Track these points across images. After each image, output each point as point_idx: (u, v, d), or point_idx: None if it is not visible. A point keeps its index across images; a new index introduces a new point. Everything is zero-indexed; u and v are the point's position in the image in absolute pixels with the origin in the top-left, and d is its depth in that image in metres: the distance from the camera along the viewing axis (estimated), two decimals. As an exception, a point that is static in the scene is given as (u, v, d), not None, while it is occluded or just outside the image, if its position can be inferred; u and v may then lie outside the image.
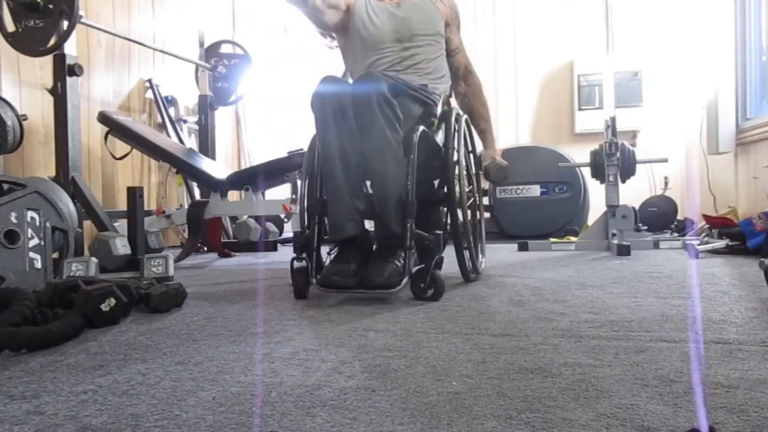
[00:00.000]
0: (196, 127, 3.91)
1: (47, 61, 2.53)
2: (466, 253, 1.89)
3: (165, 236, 3.54)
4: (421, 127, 1.77)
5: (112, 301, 1.37)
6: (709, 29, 3.89)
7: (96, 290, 1.35)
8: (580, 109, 4.46)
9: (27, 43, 2.33)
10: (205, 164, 3.20)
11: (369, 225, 1.83)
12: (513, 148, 4.18)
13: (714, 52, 3.77)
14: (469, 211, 1.93)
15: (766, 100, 3.37)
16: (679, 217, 3.96)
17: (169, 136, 3.68)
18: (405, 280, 1.60)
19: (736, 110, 3.50)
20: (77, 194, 2.42)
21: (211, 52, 3.87)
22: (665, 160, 3.31)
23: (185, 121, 3.92)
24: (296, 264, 1.73)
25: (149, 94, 3.77)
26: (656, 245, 3.00)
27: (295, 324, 1.34)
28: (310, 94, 1.74)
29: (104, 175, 3.36)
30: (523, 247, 3.18)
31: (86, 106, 3.15)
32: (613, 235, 3.01)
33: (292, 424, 0.72)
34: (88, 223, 2.57)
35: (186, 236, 3.28)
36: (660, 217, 3.84)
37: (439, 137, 1.93)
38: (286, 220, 3.36)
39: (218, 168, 3.26)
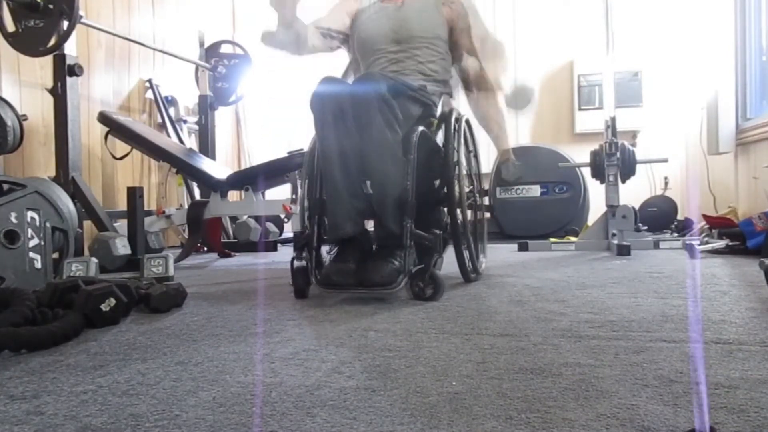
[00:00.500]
0: (196, 127, 3.91)
1: (47, 61, 2.53)
2: (466, 254, 1.89)
3: (165, 236, 3.54)
4: (421, 128, 1.77)
5: (112, 301, 1.37)
6: (709, 29, 3.89)
7: (96, 290, 1.35)
8: (580, 109, 4.46)
9: (27, 43, 2.33)
10: (205, 164, 3.20)
11: (370, 225, 1.83)
12: (513, 148, 4.18)
13: (714, 52, 3.77)
14: (469, 212, 1.93)
15: (766, 100, 3.37)
16: (679, 217, 3.96)
17: (169, 136, 3.67)
18: (403, 279, 1.60)
19: (736, 110, 3.50)
20: (77, 194, 2.43)
21: (211, 52, 3.87)
22: (665, 160, 3.31)
23: (185, 121, 3.92)
24: (296, 264, 1.73)
25: (149, 94, 3.77)
26: (656, 245, 3.00)
27: (295, 324, 1.34)
28: (310, 94, 1.74)
29: (104, 175, 3.36)
30: (523, 247, 3.18)
31: (86, 106, 3.15)
32: (613, 235, 3.01)
33: (292, 424, 0.72)
34: (88, 223, 2.57)
35: (186, 236, 3.28)
36: (660, 217, 3.84)
37: (439, 138, 1.93)
38: (286, 220, 3.37)
39: (218, 168, 3.26)
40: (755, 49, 3.46)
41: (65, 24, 2.29)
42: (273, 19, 1.91)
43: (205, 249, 3.59)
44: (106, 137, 3.16)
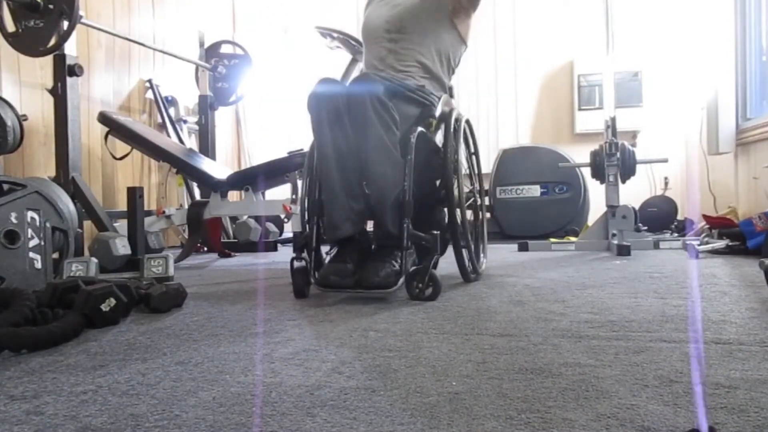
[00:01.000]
0: (196, 127, 3.91)
1: (47, 61, 2.53)
2: (466, 254, 1.89)
3: (165, 236, 3.54)
4: (419, 128, 1.77)
5: (112, 301, 1.37)
6: (709, 29, 3.89)
7: (96, 290, 1.35)
8: (580, 109, 4.46)
9: (27, 43, 2.33)
10: (205, 164, 3.20)
11: (370, 225, 1.83)
12: (513, 148, 4.19)
13: (714, 52, 3.77)
14: (469, 212, 1.93)
15: (766, 100, 3.37)
16: (679, 217, 3.96)
17: (169, 136, 3.67)
18: (401, 280, 1.60)
19: (736, 110, 3.50)
20: (77, 194, 2.42)
21: (211, 52, 3.87)
22: (665, 161, 3.31)
23: (185, 121, 3.92)
24: (296, 264, 1.73)
25: (149, 94, 3.77)
26: (656, 245, 3.00)
27: (295, 324, 1.34)
28: (307, 95, 1.74)
29: (104, 175, 3.36)
30: (523, 248, 3.18)
31: (86, 106, 3.15)
32: (613, 235, 3.01)
33: (293, 424, 0.72)
34: (88, 223, 2.57)
35: (186, 236, 3.28)
36: (660, 217, 3.84)
37: (439, 138, 1.93)
38: (286, 220, 3.36)
39: (218, 168, 3.26)
40: (755, 49, 3.46)
41: (65, 24, 2.29)
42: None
43: (205, 249, 3.59)
44: (106, 137, 3.16)
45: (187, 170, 3.19)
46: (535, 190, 4.02)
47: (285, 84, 4.84)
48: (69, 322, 1.23)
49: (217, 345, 1.15)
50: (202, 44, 3.83)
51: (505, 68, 4.65)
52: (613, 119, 3.09)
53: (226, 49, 3.90)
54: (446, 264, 1.95)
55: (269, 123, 4.96)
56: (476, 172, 2.21)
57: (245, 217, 3.30)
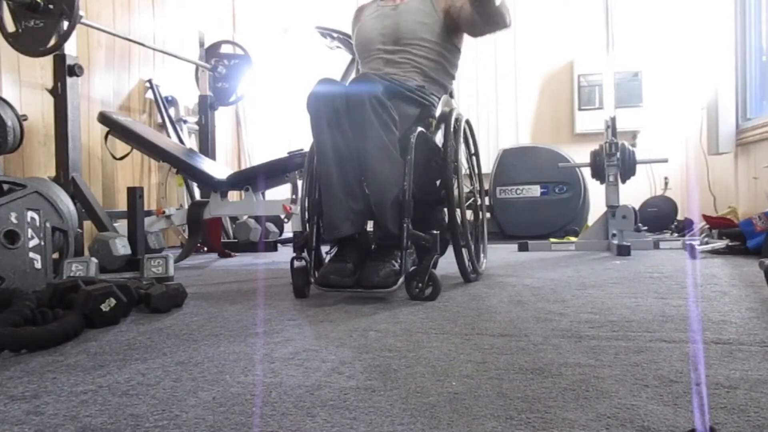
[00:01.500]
0: (196, 127, 3.91)
1: (47, 61, 2.53)
2: (466, 254, 1.89)
3: (165, 236, 3.54)
4: (419, 128, 1.77)
5: (112, 301, 1.37)
6: (709, 29, 3.89)
7: (96, 290, 1.35)
8: (580, 110, 4.46)
9: (27, 43, 2.33)
10: (205, 164, 3.20)
11: (370, 225, 1.83)
12: (513, 148, 4.19)
13: (714, 52, 3.77)
14: (469, 212, 1.93)
15: (766, 100, 3.37)
16: (679, 217, 3.96)
17: (169, 136, 3.67)
18: (401, 280, 1.60)
19: (736, 110, 3.50)
20: (77, 194, 2.42)
21: (211, 52, 3.87)
22: (665, 161, 3.32)
23: (185, 122, 3.92)
24: (296, 264, 1.74)
25: (149, 95, 3.77)
26: (656, 245, 3.00)
27: (295, 324, 1.34)
28: (306, 96, 1.74)
29: (104, 175, 3.36)
30: (523, 248, 3.18)
31: (86, 106, 3.15)
32: (613, 235, 3.01)
33: (293, 424, 0.72)
34: (88, 223, 2.57)
35: (186, 236, 3.28)
36: (660, 217, 3.84)
37: (438, 138, 1.93)
38: (286, 220, 3.36)
39: (218, 168, 3.25)
40: (755, 49, 3.46)
41: (65, 24, 2.29)
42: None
43: (205, 249, 3.59)
44: (106, 137, 3.16)
45: (187, 170, 3.19)
46: (535, 190, 4.02)
47: (285, 84, 4.84)
48: (69, 322, 1.23)
49: (217, 345, 1.15)
50: (202, 44, 3.83)
51: (505, 68, 4.65)
52: (613, 119, 3.09)
53: (226, 49, 3.91)
54: (446, 264, 1.95)
55: (269, 123, 4.96)
56: (476, 172, 2.21)
57: (245, 217, 3.30)
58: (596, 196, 3.59)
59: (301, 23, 4.77)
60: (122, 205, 2.86)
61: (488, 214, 3.98)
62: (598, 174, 3.14)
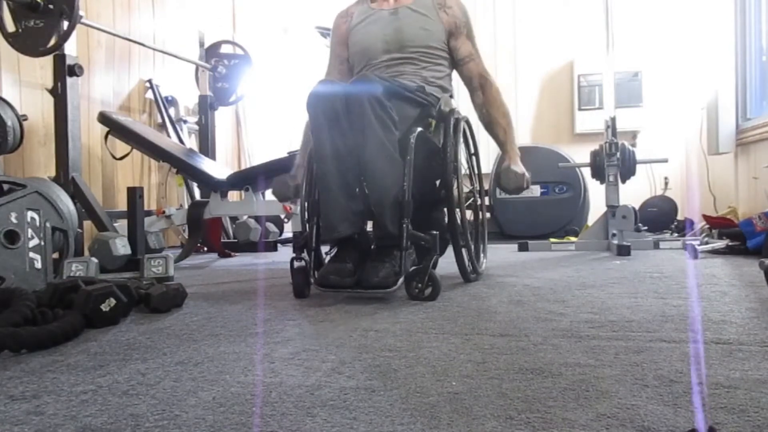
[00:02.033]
0: (196, 127, 3.91)
1: (47, 61, 2.53)
2: (466, 254, 1.89)
3: (165, 236, 3.54)
4: (419, 129, 1.77)
5: (112, 301, 1.37)
6: (709, 29, 3.89)
7: (96, 290, 1.35)
8: (580, 110, 4.46)
9: (27, 43, 2.33)
10: (205, 164, 3.20)
11: (370, 226, 1.83)
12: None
13: (714, 52, 3.77)
14: (469, 212, 1.93)
15: (766, 100, 3.37)
16: (679, 217, 3.96)
17: (169, 136, 3.67)
18: (400, 280, 1.60)
19: (736, 110, 3.50)
20: (77, 194, 2.42)
21: (211, 52, 3.87)
22: (665, 161, 3.32)
23: (185, 122, 3.92)
24: (296, 264, 1.74)
25: (149, 95, 3.77)
26: (656, 245, 3.00)
27: (295, 324, 1.34)
28: (306, 96, 1.74)
29: (104, 175, 3.36)
30: (523, 247, 3.18)
31: (86, 106, 3.15)
32: (613, 235, 3.01)
33: (293, 424, 0.72)
34: (88, 223, 2.57)
35: (186, 236, 3.28)
36: (660, 217, 3.84)
37: (438, 138, 1.93)
38: (286, 220, 3.37)
39: (218, 168, 3.26)
40: (755, 49, 3.46)
41: (65, 24, 2.29)
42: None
43: (205, 249, 3.59)
44: (106, 137, 3.16)
45: (187, 170, 3.19)
46: (535, 190, 4.02)
47: (285, 84, 4.84)
48: (69, 322, 1.23)
49: (217, 345, 1.15)
50: (202, 44, 3.83)
51: (505, 68, 4.64)
52: (613, 119, 3.09)
53: (226, 49, 3.91)
54: (446, 264, 1.96)
55: (269, 123, 4.96)
56: (476, 172, 2.21)
57: (245, 217, 3.30)
58: (596, 196, 3.59)
59: (301, 23, 4.77)
60: (122, 205, 2.86)
61: (488, 214, 3.99)
62: (598, 174, 3.14)
